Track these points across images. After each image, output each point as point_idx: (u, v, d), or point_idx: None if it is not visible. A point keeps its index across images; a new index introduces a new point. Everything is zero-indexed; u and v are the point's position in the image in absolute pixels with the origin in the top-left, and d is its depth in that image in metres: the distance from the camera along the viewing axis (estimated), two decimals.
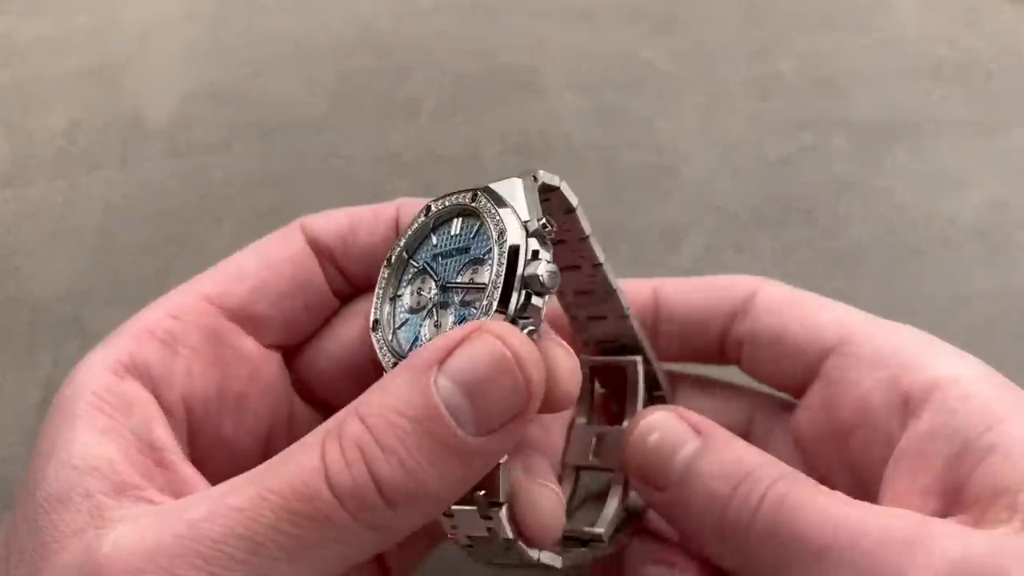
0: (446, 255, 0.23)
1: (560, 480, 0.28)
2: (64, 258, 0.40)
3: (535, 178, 0.23)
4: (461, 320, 0.22)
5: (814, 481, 0.22)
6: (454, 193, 0.23)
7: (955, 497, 0.21)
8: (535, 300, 0.21)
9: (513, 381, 0.19)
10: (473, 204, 0.22)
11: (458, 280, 0.23)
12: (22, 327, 0.38)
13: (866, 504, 0.21)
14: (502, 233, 0.21)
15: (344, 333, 0.27)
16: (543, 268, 0.21)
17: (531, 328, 0.21)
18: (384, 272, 0.24)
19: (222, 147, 0.43)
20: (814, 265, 0.38)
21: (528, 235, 0.21)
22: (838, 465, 0.26)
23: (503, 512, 0.21)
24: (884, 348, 0.25)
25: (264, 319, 0.25)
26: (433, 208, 0.24)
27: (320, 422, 0.20)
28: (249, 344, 0.25)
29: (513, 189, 0.22)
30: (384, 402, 0.19)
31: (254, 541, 0.18)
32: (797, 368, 0.27)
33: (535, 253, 0.21)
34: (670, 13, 0.47)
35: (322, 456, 0.18)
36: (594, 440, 0.28)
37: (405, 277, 0.24)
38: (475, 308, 0.21)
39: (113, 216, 0.41)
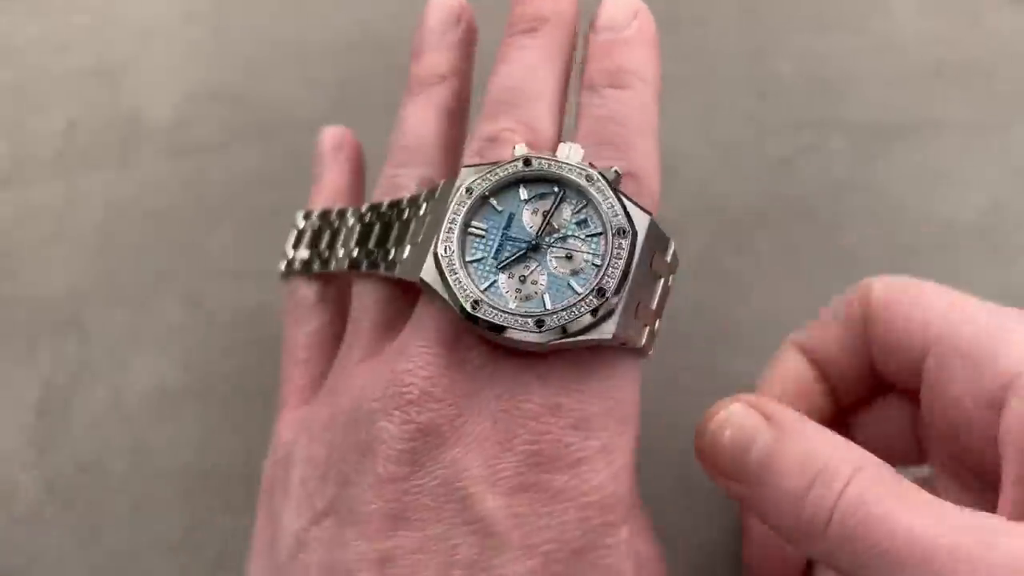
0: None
1: None
2: (63, 258, 0.40)
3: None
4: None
5: (894, 473, 0.22)
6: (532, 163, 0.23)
7: None
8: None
9: None
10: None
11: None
12: (21, 327, 0.38)
13: (944, 509, 0.21)
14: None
15: None
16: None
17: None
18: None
19: (222, 147, 0.43)
20: (814, 265, 0.38)
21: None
22: (958, 462, 0.26)
23: None
24: (971, 345, 0.24)
25: None
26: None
27: None
28: None
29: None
30: None
31: None
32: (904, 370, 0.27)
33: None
34: (670, 13, 0.47)
35: None
36: None
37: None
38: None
39: (112, 216, 0.41)
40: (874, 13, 0.46)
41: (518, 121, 0.25)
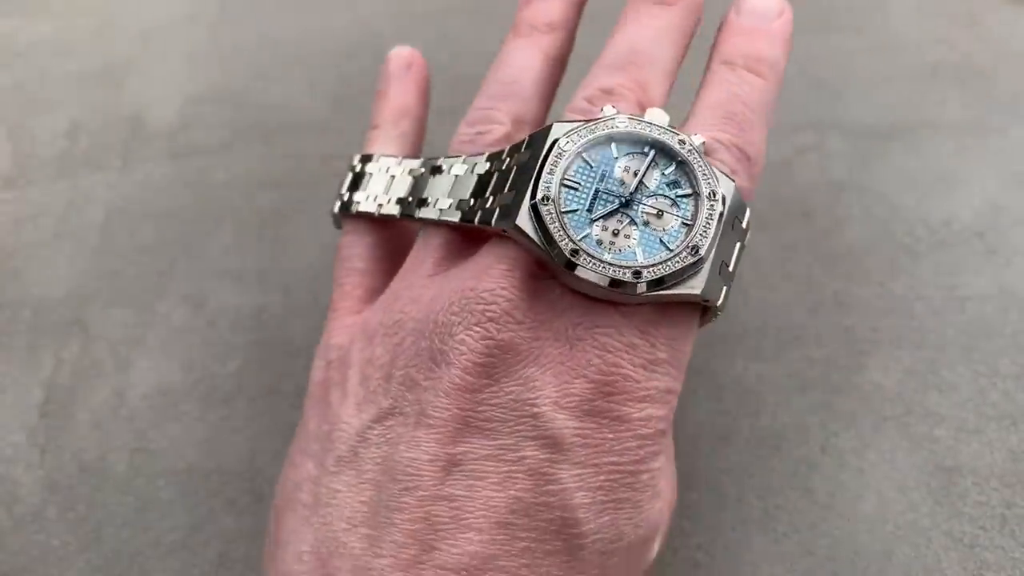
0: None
1: None
2: (65, 259, 0.40)
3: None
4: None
5: None
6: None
7: None
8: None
9: None
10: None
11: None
12: (24, 328, 0.38)
13: None
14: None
15: None
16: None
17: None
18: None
19: (223, 149, 0.43)
20: (812, 267, 0.39)
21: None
22: None
23: None
24: None
25: None
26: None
27: None
28: None
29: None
30: None
31: None
32: None
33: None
34: None
35: None
36: None
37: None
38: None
39: (114, 217, 0.41)
40: (872, 14, 0.46)
41: (635, 81, 0.26)
